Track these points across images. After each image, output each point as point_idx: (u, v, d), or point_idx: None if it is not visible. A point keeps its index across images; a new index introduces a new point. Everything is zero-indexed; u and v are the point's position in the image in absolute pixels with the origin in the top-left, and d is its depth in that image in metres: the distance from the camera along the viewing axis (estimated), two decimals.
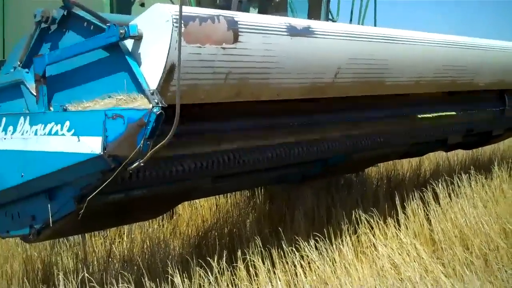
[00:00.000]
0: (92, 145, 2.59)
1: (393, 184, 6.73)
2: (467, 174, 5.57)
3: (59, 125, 2.73)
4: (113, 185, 2.63)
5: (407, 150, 5.32)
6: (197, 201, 6.27)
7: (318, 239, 4.15)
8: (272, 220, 5.49)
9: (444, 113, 4.97)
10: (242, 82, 2.90)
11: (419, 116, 4.61)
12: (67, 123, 2.70)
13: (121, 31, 2.55)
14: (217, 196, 6.43)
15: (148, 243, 4.91)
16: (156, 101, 2.50)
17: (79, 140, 2.65)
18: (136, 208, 3.19)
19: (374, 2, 7.72)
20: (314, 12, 6.58)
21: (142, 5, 5.35)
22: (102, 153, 2.55)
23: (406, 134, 4.72)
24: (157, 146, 2.54)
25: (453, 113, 5.04)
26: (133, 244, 5.00)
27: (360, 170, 6.42)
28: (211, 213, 6.15)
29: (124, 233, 5.29)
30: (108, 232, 5.30)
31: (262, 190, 6.59)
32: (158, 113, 2.49)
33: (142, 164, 2.59)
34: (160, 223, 5.83)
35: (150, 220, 5.65)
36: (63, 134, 2.70)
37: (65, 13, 2.86)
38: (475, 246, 4.31)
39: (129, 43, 2.64)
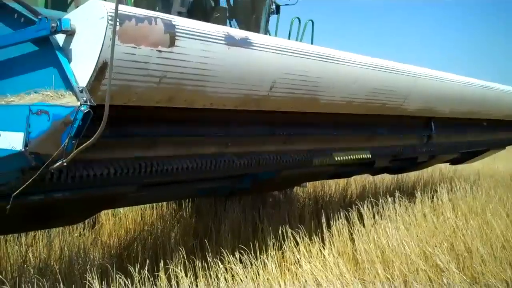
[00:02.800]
0: (13, 141, 2.46)
1: (320, 203, 6.80)
2: (391, 197, 5.70)
3: None
4: (33, 186, 2.50)
5: (335, 171, 5.39)
6: (121, 211, 6.13)
7: (243, 253, 4.12)
8: (197, 233, 5.43)
9: (359, 156, 5.04)
10: (176, 87, 2.84)
11: (336, 157, 4.67)
12: None
13: (53, 24, 2.45)
14: (142, 207, 6.31)
15: (66, 251, 4.73)
16: (84, 99, 2.41)
17: (0, 135, 2.52)
18: (55, 212, 3.05)
19: (311, 24, 7.91)
20: (252, 31, 6.63)
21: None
22: (23, 149, 2.43)
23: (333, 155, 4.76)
24: (82, 146, 2.45)
25: (369, 156, 5.12)
26: (50, 251, 4.80)
27: (288, 187, 6.46)
28: (135, 224, 6.01)
29: (40, 240, 5.09)
30: (24, 237, 5.08)
31: (189, 203, 6.51)
32: (85, 111, 2.39)
33: (65, 164, 2.48)
34: (82, 232, 5.65)
35: (71, 228, 5.47)
36: None
37: None
38: (396, 267, 4.39)
39: (60, 38, 2.54)
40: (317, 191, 7.80)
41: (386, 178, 8.75)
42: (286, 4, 8.04)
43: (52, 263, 4.51)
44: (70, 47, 2.53)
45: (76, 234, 5.48)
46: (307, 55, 3.62)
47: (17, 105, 2.52)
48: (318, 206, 6.45)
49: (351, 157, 4.84)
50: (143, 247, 5.00)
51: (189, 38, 2.79)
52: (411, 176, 9.10)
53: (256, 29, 6.90)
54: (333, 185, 8.24)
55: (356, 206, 5.27)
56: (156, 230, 5.64)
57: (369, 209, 5.27)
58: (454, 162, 8.58)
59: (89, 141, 2.43)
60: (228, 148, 3.69)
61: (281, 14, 7.85)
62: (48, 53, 2.53)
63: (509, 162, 14.36)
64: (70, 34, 2.51)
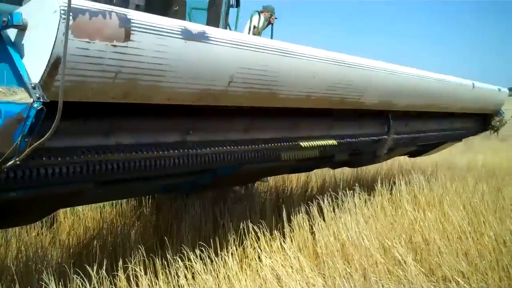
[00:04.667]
0: None
1: (281, 198, 6.82)
2: (351, 191, 5.75)
3: None
4: None
5: (296, 165, 5.40)
6: (80, 209, 6.02)
7: (204, 250, 4.10)
8: (158, 230, 5.38)
9: (325, 142, 5.06)
10: (132, 83, 2.79)
11: (302, 144, 4.67)
12: None
13: (4, 19, 2.39)
14: (101, 205, 6.21)
15: (24, 250, 4.63)
16: (37, 95, 2.35)
17: None
18: (11, 211, 2.98)
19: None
20: (212, 24, 6.59)
21: None
22: None
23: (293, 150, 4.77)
24: (35, 144, 2.39)
25: (335, 142, 5.15)
26: (7, 251, 4.69)
27: (249, 182, 6.45)
28: (94, 222, 5.92)
29: None
30: None
31: (149, 200, 6.45)
32: (38, 108, 2.34)
33: (18, 163, 2.42)
34: (39, 231, 5.53)
35: (28, 228, 5.36)
36: None
37: None
38: (355, 261, 4.43)
39: (12, 33, 2.48)
40: (278, 186, 7.82)
41: (346, 172, 8.83)
42: None
43: (8, 264, 4.41)
44: (22, 42, 2.46)
45: (33, 234, 5.36)
46: (265, 50, 3.62)
47: None
48: (279, 201, 6.46)
49: (316, 143, 4.83)
50: (102, 246, 4.93)
51: (145, 32, 2.75)
52: (370, 169, 9.20)
53: (216, 23, 6.86)
54: (295, 180, 8.28)
55: (317, 200, 5.30)
56: (115, 228, 5.57)
57: (329, 203, 5.30)
58: (412, 154, 8.72)
59: (42, 139, 2.38)
60: (188, 139, 3.65)
61: (241, 7, 7.84)
62: None
63: (465, 154, 14.67)
64: (22, 28, 2.44)
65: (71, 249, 5.05)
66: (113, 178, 3.43)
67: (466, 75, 6.40)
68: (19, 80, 2.41)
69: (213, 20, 6.83)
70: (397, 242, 4.61)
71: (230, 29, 7.39)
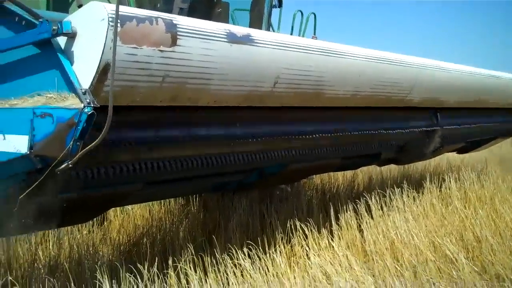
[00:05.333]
0: (17, 144, 2.49)
1: (327, 195, 6.79)
2: (399, 188, 5.68)
3: None
4: (41, 188, 2.52)
5: (342, 163, 5.38)
6: (129, 207, 6.15)
7: (252, 248, 4.13)
8: (206, 228, 5.44)
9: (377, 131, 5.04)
10: (179, 86, 2.84)
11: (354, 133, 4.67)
12: None
13: (54, 27, 2.46)
14: (150, 203, 6.33)
15: (76, 249, 4.76)
16: (88, 100, 2.42)
17: (4, 138, 2.54)
18: (65, 212, 3.07)
19: (314, 17, 7.88)
20: (255, 25, 6.61)
21: (80, 6, 5.22)
22: (28, 152, 2.46)
23: (341, 148, 4.76)
24: (87, 148, 2.46)
25: (388, 126, 5.13)
26: (60, 249, 4.84)
27: (296, 180, 6.45)
28: (143, 220, 6.04)
29: (50, 238, 5.12)
30: (34, 236, 5.11)
31: (197, 198, 6.53)
32: (89, 113, 2.40)
33: (70, 166, 2.50)
34: (90, 229, 5.67)
35: (80, 226, 5.50)
36: None
37: None
38: (405, 259, 4.39)
39: (62, 41, 2.55)
40: (324, 183, 7.80)
41: (393, 169, 8.72)
42: None
43: (62, 262, 4.54)
44: (71, 49, 2.53)
45: (85, 232, 5.51)
46: (310, 50, 3.62)
47: (21, 108, 2.54)
48: (325, 198, 6.44)
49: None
50: (152, 243, 5.02)
51: (191, 36, 2.79)
52: (418, 166, 9.06)
53: (259, 23, 6.87)
54: (340, 177, 8.23)
55: (364, 198, 5.26)
56: (164, 226, 5.66)
57: (377, 201, 5.26)
58: (461, 151, 8.54)
59: (93, 143, 2.44)
60: (237, 146, 3.69)
61: (284, 7, 7.83)
62: (50, 56, 2.54)
63: None
64: (71, 36, 2.51)
65: (122, 247, 5.16)
66: (160, 179, 3.51)
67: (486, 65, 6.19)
68: (70, 86, 2.49)
69: (256, 21, 6.84)
70: (448, 240, 4.54)
71: (273, 29, 7.38)
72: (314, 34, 7.83)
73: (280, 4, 7.73)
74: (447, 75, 5.34)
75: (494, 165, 9.66)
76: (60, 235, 5.18)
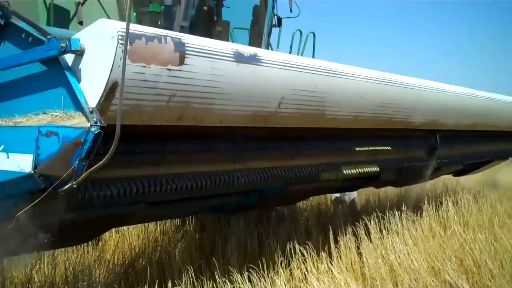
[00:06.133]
0: (22, 163, 2.43)
1: (324, 217, 6.75)
2: (398, 211, 5.65)
3: None
4: (44, 207, 2.46)
5: (341, 185, 5.35)
6: (125, 228, 6.07)
7: (252, 271, 4.07)
8: (203, 250, 5.37)
9: (367, 169, 5.04)
10: (185, 106, 2.80)
11: (356, 148, 4.65)
12: None
13: (62, 44, 2.42)
14: (145, 224, 6.25)
15: (71, 270, 4.68)
16: (95, 119, 2.37)
17: (8, 157, 2.49)
18: (65, 232, 3.00)
19: (313, 36, 7.90)
20: (254, 44, 6.61)
21: (81, 23, 5.20)
22: (32, 171, 2.40)
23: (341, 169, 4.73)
24: (93, 168, 2.41)
25: (376, 169, 5.11)
26: (55, 270, 4.75)
27: (295, 202, 6.40)
28: (139, 240, 5.95)
29: (44, 259, 5.02)
30: (29, 257, 5.01)
31: (193, 219, 6.46)
32: (96, 132, 2.35)
33: (75, 186, 2.44)
34: (85, 249, 5.58)
35: (74, 247, 5.41)
36: None
37: (2, 23, 2.70)
38: (405, 283, 4.34)
39: (69, 58, 2.51)
40: (321, 204, 7.75)
41: (389, 190, 8.69)
42: (288, 17, 8.03)
43: (57, 283, 4.46)
44: (79, 67, 2.49)
45: (80, 252, 5.42)
46: (315, 71, 3.60)
47: (25, 126, 2.49)
48: (323, 220, 6.39)
49: (359, 170, 4.80)
50: (148, 265, 4.94)
51: (199, 56, 2.76)
52: (414, 187, 9.03)
53: (258, 42, 6.87)
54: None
55: (363, 221, 5.22)
56: (161, 247, 5.59)
57: (375, 224, 5.22)
58: (457, 173, 8.54)
59: (100, 162, 2.39)
60: (236, 165, 3.65)
61: (283, 26, 7.85)
62: (57, 73, 2.50)
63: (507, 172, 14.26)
64: (79, 54, 2.47)
65: (117, 268, 5.08)
66: (163, 199, 3.45)
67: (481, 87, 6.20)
68: (76, 104, 2.44)
69: (256, 40, 6.85)
70: (448, 264, 4.49)
71: (271, 48, 7.39)
72: (313, 53, 7.85)
73: (279, 24, 7.75)
74: (446, 97, 5.34)
75: (488, 188, 9.66)
76: (54, 256, 5.09)
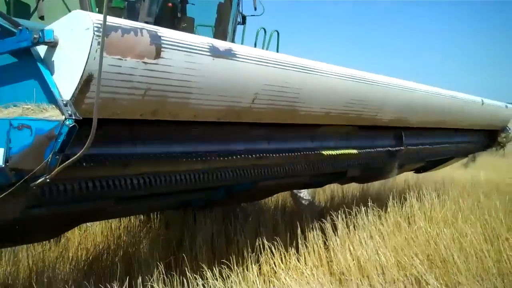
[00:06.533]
0: None
1: (290, 214, 6.76)
2: (364, 207, 5.69)
3: None
4: (14, 201, 2.38)
5: (308, 181, 5.35)
6: (89, 224, 5.95)
7: (223, 266, 4.04)
8: (170, 245, 5.31)
9: (346, 151, 5.05)
10: (161, 100, 2.75)
11: (324, 153, 4.64)
12: None
13: (35, 36, 2.34)
14: (108, 220, 6.13)
15: (33, 267, 4.56)
16: (69, 112, 2.30)
17: None
18: (35, 227, 2.92)
19: (277, 34, 7.89)
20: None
21: (41, 18, 5.07)
22: (3, 165, 2.32)
23: (310, 166, 4.73)
24: (68, 162, 2.33)
25: (355, 151, 5.13)
26: (17, 267, 4.62)
27: (263, 198, 6.38)
28: (102, 237, 5.85)
29: (5, 256, 4.88)
30: None
31: (158, 215, 6.38)
32: (71, 125, 2.28)
33: (48, 180, 2.37)
34: (46, 246, 5.45)
35: (35, 244, 5.27)
36: None
37: None
38: (374, 278, 4.37)
39: (41, 50, 2.43)
40: (286, 200, 7.76)
41: (352, 187, 8.78)
42: (252, 15, 8.01)
43: (21, 279, 4.35)
44: (52, 59, 2.41)
45: (40, 248, 5.28)
46: (288, 67, 3.58)
47: None
48: (289, 217, 6.39)
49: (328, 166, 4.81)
50: (114, 260, 4.86)
51: (175, 49, 2.71)
52: (375, 184, 9.15)
53: (223, 40, 6.82)
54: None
55: (330, 216, 5.24)
56: (125, 243, 5.50)
57: (342, 219, 5.25)
58: (419, 170, 8.67)
59: (75, 156, 2.32)
60: (208, 163, 3.60)
61: (247, 24, 7.83)
62: (28, 65, 2.42)
63: (465, 170, 14.55)
64: (52, 45, 2.39)
65: (81, 264, 4.98)
66: (131, 195, 3.39)
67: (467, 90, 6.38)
68: (49, 97, 2.36)
69: (220, 37, 6.78)
70: (416, 259, 4.55)
71: None
72: (277, 51, 7.85)
73: (243, 21, 7.73)
74: (413, 95, 5.40)
75: (448, 185, 9.82)
76: (15, 253, 4.95)
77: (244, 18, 7.69)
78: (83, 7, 5.10)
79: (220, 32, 7.01)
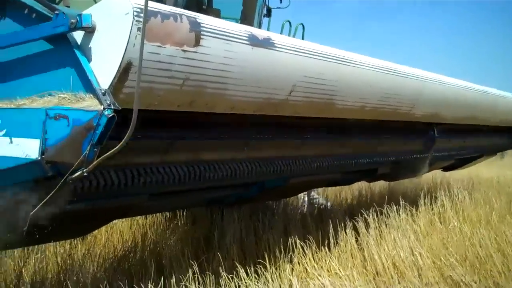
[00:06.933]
0: (27, 149, 2.24)
1: (318, 210, 6.62)
2: (396, 205, 5.54)
3: None
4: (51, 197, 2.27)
5: (338, 178, 5.22)
6: (116, 221, 5.86)
7: (254, 265, 3.93)
8: (198, 243, 5.19)
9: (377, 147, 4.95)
10: (198, 90, 2.63)
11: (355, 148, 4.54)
12: None
13: (72, 20, 2.23)
14: (135, 217, 6.04)
15: (62, 264, 4.47)
16: (108, 102, 2.19)
17: (11, 142, 2.30)
18: (70, 223, 2.82)
19: (302, 28, 7.77)
20: None
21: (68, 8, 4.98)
22: (39, 158, 2.21)
23: (343, 161, 4.61)
24: (107, 154, 2.22)
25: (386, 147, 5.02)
26: (46, 266, 4.54)
27: (294, 195, 6.25)
28: (130, 234, 5.75)
29: (34, 253, 4.80)
30: (15, 251, 4.79)
31: (185, 212, 6.27)
32: (110, 116, 2.17)
33: (85, 174, 2.26)
34: (73, 243, 5.36)
35: (62, 242, 5.19)
36: None
37: None
38: (409, 280, 4.22)
39: (78, 36, 2.33)
40: (313, 198, 7.62)
41: (379, 184, 8.60)
42: (277, 7, 7.91)
43: (47, 277, 4.27)
44: (89, 46, 2.31)
45: (67, 246, 5.20)
46: (325, 57, 3.45)
47: (32, 109, 2.30)
48: (319, 213, 6.26)
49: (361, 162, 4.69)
50: (141, 259, 4.77)
51: (214, 37, 2.60)
52: (404, 182, 8.96)
53: None
54: (328, 191, 8.06)
55: (363, 215, 5.09)
56: (153, 240, 5.40)
57: (373, 218, 5.10)
58: (447, 168, 8.47)
59: (115, 148, 2.21)
60: (244, 153, 3.50)
61: (272, 17, 7.73)
62: (65, 52, 2.32)
63: (490, 168, 14.32)
64: (89, 31, 2.29)
65: (109, 262, 4.89)
66: (165, 191, 3.29)
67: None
68: (87, 85, 2.26)
69: None
70: (452, 260, 4.39)
71: None
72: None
73: (269, 14, 7.63)
74: (447, 89, 5.24)
75: (476, 184, 9.63)
76: (43, 250, 4.88)
77: (269, 10, 7.60)
78: None
79: (245, 24, 6.91)
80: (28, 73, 2.46)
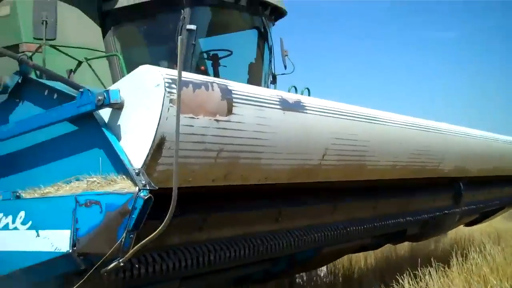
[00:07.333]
0: (56, 241, 2.02)
1: (343, 276, 6.31)
2: (429, 267, 5.24)
3: (10, 217, 2.15)
4: None
5: (369, 242, 4.97)
6: None
7: None
8: None
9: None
10: (233, 161, 2.45)
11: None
12: (22, 214, 2.13)
13: (99, 97, 2.07)
14: None
15: None
16: (143, 182, 1.98)
17: (38, 235, 2.08)
18: None
19: (308, 92, 7.70)
20: None
21: None
22: (70, 250, 1.99)
23: (375, 224, 4.38)
24: (145, 240, 2.00)
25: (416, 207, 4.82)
26: None
27: (321, 266, 5.95)
28: None
29: None
30: None
31: None
32: (146, 197, 1.96)
33: (121, 264, 2.03)
34: None
35: None
36: (15, 228, 2.12)
37: (20, 80, 2.34)
38: None
39: (105, 113, 2.15)
40: (336, 266, 7.28)
41: (402, 245, 8.28)
42: (282, 74, 7.87)
43: None
44: (118, 123, 2.13)
45: None
46: (355, 117, 3.29)
47: (58, 197, 2.10)
48: (349, 283, 5.94)
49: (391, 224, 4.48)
50: None
51: (245, 104, 2.44)
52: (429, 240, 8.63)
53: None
54: (353, 257, 7.72)
55: (398, 283, 4.79)
56: None
57: (412, 284, 4.79)
58: (470, 223, 8.18)
59: (155, 232, 1.99)
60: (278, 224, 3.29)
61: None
62: (92, 132, 2.14)
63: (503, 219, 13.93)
64: (117, 107, 2.12)
65: None
66: (196, 273, 3.04)
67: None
68: (117, 166, 2.07)
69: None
70: None
71: None
72: None
73: (274, 81, 7.57)
74: (471, 142, 5.06)
75: (495, 237, 9.30)
76: None
77: (274, 77, 7.56)
78: (114, 78, 4.86)
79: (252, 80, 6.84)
80: (51, 158, 2.28)
